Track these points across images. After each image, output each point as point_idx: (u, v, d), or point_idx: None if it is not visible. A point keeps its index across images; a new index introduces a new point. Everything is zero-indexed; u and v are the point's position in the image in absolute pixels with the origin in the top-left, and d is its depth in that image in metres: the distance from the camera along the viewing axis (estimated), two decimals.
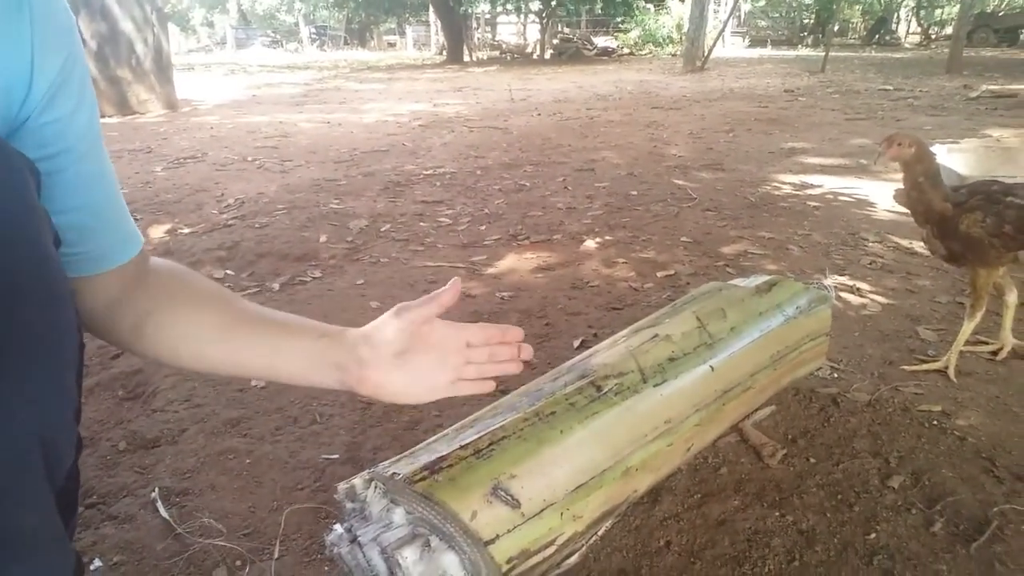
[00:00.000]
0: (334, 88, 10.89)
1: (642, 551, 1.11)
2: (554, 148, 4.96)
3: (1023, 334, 1.79)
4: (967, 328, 1.61)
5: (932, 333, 1.87)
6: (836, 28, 22.78)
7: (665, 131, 5.68)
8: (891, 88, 8.74)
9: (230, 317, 0.68)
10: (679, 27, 18.53)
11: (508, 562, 0.80)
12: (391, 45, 30.73)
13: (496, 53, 21.63)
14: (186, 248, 2.76)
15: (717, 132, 5.57)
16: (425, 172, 4.21)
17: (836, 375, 1.65)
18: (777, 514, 1.17)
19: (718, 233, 2.87)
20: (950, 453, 1.33)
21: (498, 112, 7.21)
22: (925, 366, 1.67)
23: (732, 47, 22.10)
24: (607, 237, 2.85)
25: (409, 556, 0.74)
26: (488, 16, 24.55)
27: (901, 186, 1.57)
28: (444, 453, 0.86)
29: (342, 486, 0.86)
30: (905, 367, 1.68)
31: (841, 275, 2.33)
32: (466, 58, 18.96)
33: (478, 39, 23.30)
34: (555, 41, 20.35)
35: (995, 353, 1.72)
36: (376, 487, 0.84)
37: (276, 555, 1.11)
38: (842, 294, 2.15)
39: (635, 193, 3.58)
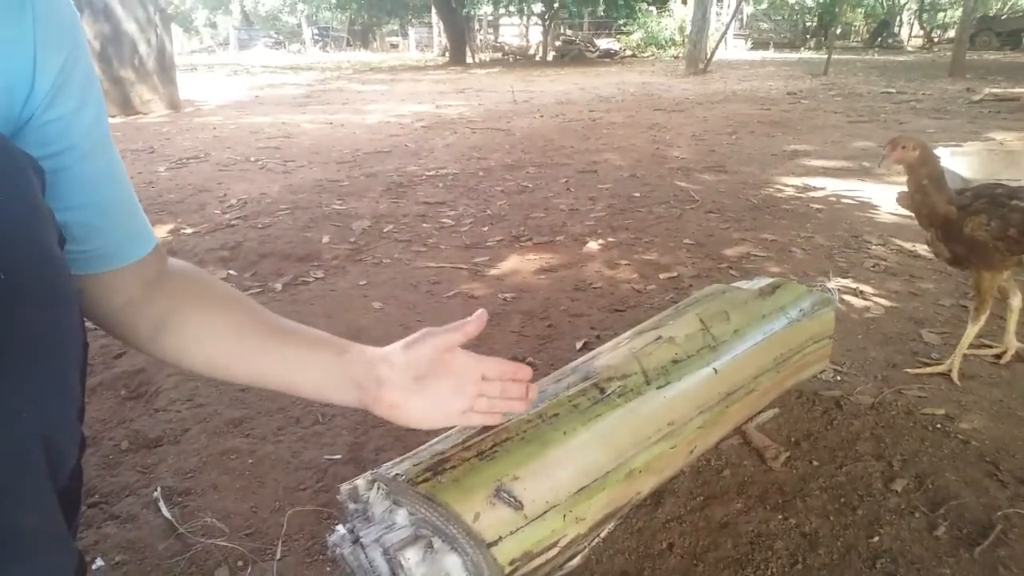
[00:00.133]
0: (337, 89, 10.91)
1: (644, 553, 1.10)
2: (557, 150, 4.96)
3: None
4: (971, 331, 1.61)
5: (936, 336, 1.87)
6: (838, 31, 22.81)
7: (668, 133, 5.68)
8: (894, 91, 8.74)
9: (249, 325, 0.68)
10: (681, 29, 18.55)
11: (511, 564, 0.80)
12: (394, 46, 30.78)
13: (498, 55, 21.66)
14: (189, 248, 2.77)
15: (720, 134, 5.57)
16: (428, 173, 4.21)
17: (839, 378, 1.65)
18: (780, 517, 1.17)
19: (721, 235, 2.86)
20: (954, 457, 1.33)
21: (501, 114, 7.21)
22: (929, 369, 1.67)
23: (734, 50, 22.11)
24: (610, 239, 2.85)
25: (412, 557, 0.74)
26: (491, 18, 24.59)
27: (905, 189, 1.57)
28: (447, 454, 0.85)
29: (345, 487, 0.86)
30: (908, 370, 1.68)
31: (844, 278, 2.33)
32: (468, 60, 18.98)
33: (480, 41, 23.33)
34: (557, 43, 20.38)
35: (999, 356, 1.72)
36: (379, 488, 0.84)
37: (278, 555, 1.11)
38: (845, 297, 2.15)
39: (638, 195, 3.58)
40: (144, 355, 0.69)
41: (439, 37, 24.30)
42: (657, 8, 20.77)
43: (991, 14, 21.66)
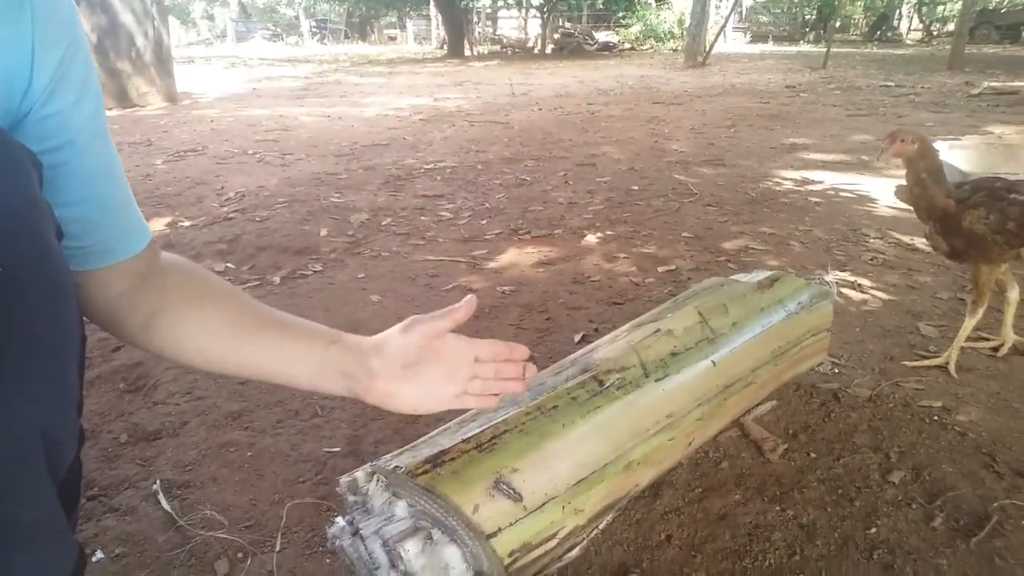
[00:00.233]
0: (334, 82, 10.87)
1: (643, 545, 1.11)
2: (555, 143, 4.95)
3: None
4: (968, 324, 1.61)
5: (933, 329, 1.87)
6: (838, 24, 22.74)
7: (666, 126, 5.67)
8: (893, 84, 8.73)
9: (241, 317, 0.68)
10: (680, 22, 18.49)
11: (510, 555, 0.80)
12: (392, 39, 30.66)
13: (497, 47, 21.57)
14: (187, 241, 2.76)
15: (718, 128, 5.56)
16: (426, 166, 4.21)
17: (837, 370, 1.65)
18: (778, 508, 1.17)
19: (719, 228, 2.86)
20: (950, 448, 1.33)
21: (499, 107, 7.19)
22: (926, 362, 1.67)
23: (733, 43, 22.05)
24: (608, 232, 2.85)
25: (411, 549, 0.74)
26: (489, 10, 24.49)
27: (903, 182, 1.57)
28: (446, 446, 0.86)
29: (344, 479, 0.86)
30: (906, 363, 1.68)
31: (842, 271, 2.33)
32: (467, 52, 18.91)
33: (479, 33, 23.25)
34: (556, 36, 20.29)
35: (996, 349, 1.72)
36: (378, 480, 0.84)
37: (278, 548, 1.12)
38: (843, 290, 2.15)
39: (636, 188, 3.58)
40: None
41: (437, 30, 24.19)
42: (656, 1, 20.70)
43: (990, 7, 21.61)
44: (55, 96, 0.54)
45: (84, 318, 0.62)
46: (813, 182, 3.67)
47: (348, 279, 2.36)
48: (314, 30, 30.24)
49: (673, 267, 2.41)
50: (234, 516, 1.19)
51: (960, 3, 13.53)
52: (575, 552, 0.94)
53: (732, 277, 1.42)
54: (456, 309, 0.69)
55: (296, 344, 0.68)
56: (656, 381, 1.04)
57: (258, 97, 8.62)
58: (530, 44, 20.99)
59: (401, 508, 0.80)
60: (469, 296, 0.70)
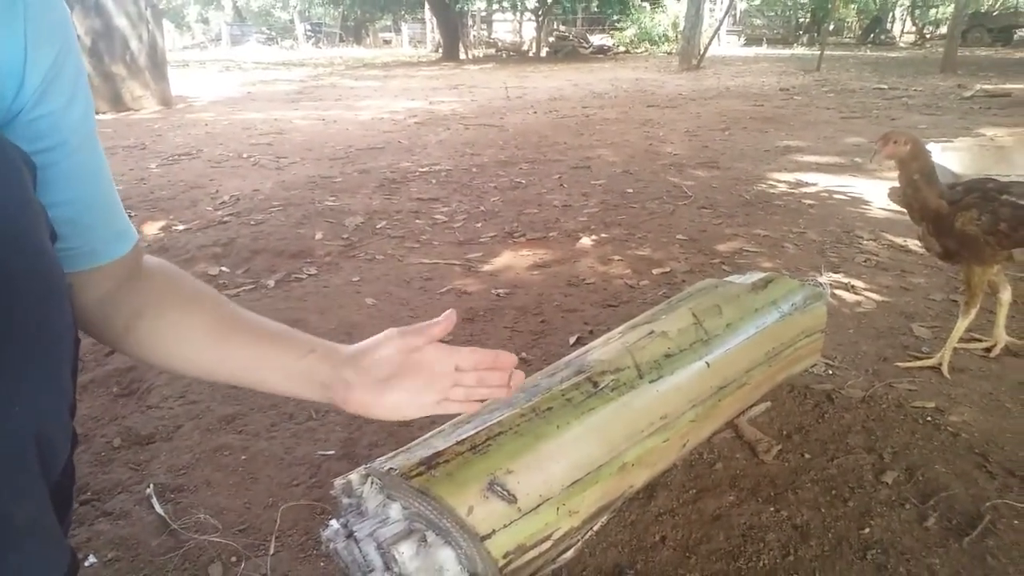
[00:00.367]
0: (329, 85, 10.86)
1: (637, 546, 1.11)
2: (550, 146, 4.96)
3: (1016, 331, 1.80)
4: (961, 325, 1.62)
5: (926, 330, 1.88)
6: (831, 27, 22.87)
7: (661, 129, 5.69)
8: (886, 87, 8.77)
9: (221, 323, 0.68)
10: (675, 25, 18.57)
11: (504, 557, 0.80)
12: (386, 42, 30.67)
13: (492, 51, 21.61)
14: (181, 245, 2.76)
15: (713, 130, 5.58)
16: (421, 169, 4.21)
17: (831, 372, 1.66)
18: (772, 509, 1.18)
19: (713, 231, 2.87)
20: (943, 449, 1.34)
21: (494, 110, 7.20)
22: (919, 363, 1.68)
23: (728, 46, 22.14)
24: (603, 234, 2.85)
25: (405, 551, 0.74)
26: (484, 14, 24.50)
27: (896, 184, 1.58)
28: (440, 448, 0.86)
29: (338, 481, 0.86)
30: (899, 364, 1.69)
31: (836, 272, 2.34)
32: (462, 56, 18.93)
33: (474, 37, 23.28)
34: (551, 39, 20.34)
35: (988, 350, 1.73)
36: (372, 482, 0.84)
37: (272, 551, 1.11)
38: (837, 291, 2.16)
39: (631, 191, 3.59)
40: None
41: (432, 33, 24.23)
42: (651, 4, 20.77)
43: (983, 10, 21.77)
44: (47, 97, 0.54)
45: None
46: (807, 184, 3.69)
47: (343, 282, 2.36)
48: (309, 34, 30.24)
49: (667, 269, 2.42)
50: (228, 520, 1.19)
51: (953, 6, 13.62)
52: (570, 554, 0.94)
53: (726, 279, 1.43)
54: (434, 324, 0.69)
55: (273, 352, 0.68)
56: (650, 382, 1.04)
57: (253, 101, 8.61)
58: (525, 47, 21.05)
59: (395, 510, 0.80)
60: (449, 311, 0.70)
